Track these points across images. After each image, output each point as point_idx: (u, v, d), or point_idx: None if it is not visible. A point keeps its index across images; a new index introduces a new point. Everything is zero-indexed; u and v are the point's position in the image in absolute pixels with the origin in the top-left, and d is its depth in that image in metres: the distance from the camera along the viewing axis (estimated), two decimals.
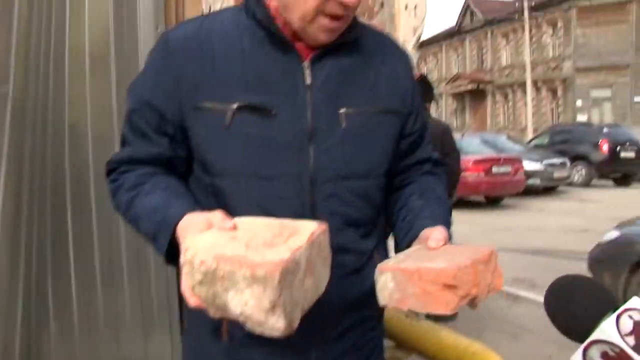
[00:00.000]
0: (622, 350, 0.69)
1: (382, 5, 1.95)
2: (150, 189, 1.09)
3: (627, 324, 0.71)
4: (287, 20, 1.08)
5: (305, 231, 0.90)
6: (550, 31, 30.06)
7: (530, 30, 28.41)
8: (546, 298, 0.85)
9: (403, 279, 0.93)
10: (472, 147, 13.35)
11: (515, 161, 12.62)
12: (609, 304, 0.76)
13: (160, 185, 1.09)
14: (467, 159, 12.01)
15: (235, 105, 1.06)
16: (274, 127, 1.07)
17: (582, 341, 0.75)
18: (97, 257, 2.44)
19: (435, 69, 41.77)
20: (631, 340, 0.69)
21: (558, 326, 0.81)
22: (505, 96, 33.95)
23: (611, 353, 0.71)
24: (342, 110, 1.10)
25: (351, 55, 1.14)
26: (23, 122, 2.07)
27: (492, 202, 12.82)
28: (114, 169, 1.17)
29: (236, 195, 1.10)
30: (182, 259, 0.86)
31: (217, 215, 0.94)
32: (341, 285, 1.10)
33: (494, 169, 11.92)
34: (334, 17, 1.05)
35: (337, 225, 1.08)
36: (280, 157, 1.08)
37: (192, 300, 0.87)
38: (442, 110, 40.26)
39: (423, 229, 1.09)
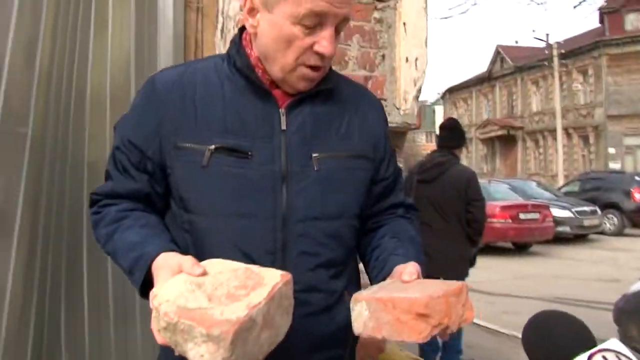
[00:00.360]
0: None
1: (383, 57, 1.99)
2: (129, 225, 1.14)
3: None
4: (266, 69, 1.15)
5: (269, 283, 0.93)
6: (581, 78, 29.92)
7: (560, 78, 28.34)
8: (525, 332, 0.87)
9: (377, 308, 0.97)
10: (499, 193, 13.23)
11: (543, 208, 12.51)
12: (587, 342, 0.78)
13: (139, 221, 1.14)
14: (494, 205, 11.91)
15: (213, 146, 1.12)
16: (249, 168, 1.12)
17: None
18: (110, 293, 2.48)
19: (466, 114, 41.76)
20: None
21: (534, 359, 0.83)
22: (536, 142, 33.67)
23: None
24: (315, 155, 1.15)
25: (326, 103, 1.20)
26: (42, 160, 2.15)
27: (521, 248, 12.65)
28: (97, 200, 1.23)
29: (211, 231, 1.14)
30: (151, 303, 0.92)
31: (188, 261, 0.98)
32: (310, 324, 1.13)
33: (522, 216, 11.82)
34: (313, 68, 1.11)
35: (307, 265, 1.13)
36: (254, 196, 1.13)
37: (158, 339, 0.92)
38: (472, 155, 40.07)
39: (396, 266, 1.12)
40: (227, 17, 2.18)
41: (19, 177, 2.06)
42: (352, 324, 1.02)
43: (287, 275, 0.97)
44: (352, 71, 1.97)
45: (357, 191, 1.22)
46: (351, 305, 1.03)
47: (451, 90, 43.76)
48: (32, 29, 2.13)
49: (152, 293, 0.94)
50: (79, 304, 2.44)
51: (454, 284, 1.01)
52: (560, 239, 13.23)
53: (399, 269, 1.11)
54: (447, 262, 4.19)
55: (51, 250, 2.26)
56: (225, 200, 1.12)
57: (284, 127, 1.15)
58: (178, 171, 1.15)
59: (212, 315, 0.87)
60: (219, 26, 2.45)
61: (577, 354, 0.77)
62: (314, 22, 1.07)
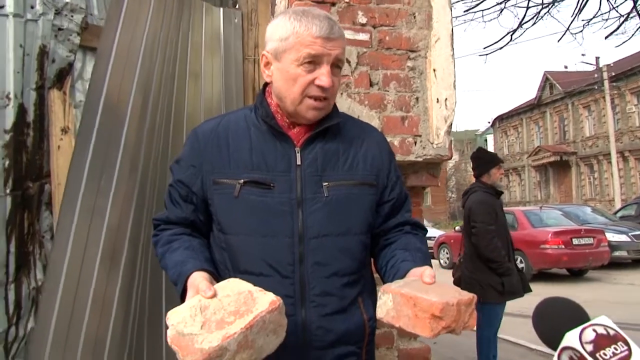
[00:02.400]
0: (581, 355, 0.89)
1: (417, 100, 2.27)
2: (176, 247, 1.46)
3: (589, 335, 0.90)
4: (283, 111, 1.48)
5: (255, 311, 1.15)
6: (635, 100, 29.17)
7: (613, 100, 27.74)
8: (533, 316, 1.05)
9: (401, 302, 1.20)
10: (552, 219, 13.06)
11: (598, 233, 12.21)
12: (582, 320, 0.94)
13: (184, 244, 1.47)
14: (546, 232, 11.81)
15: (242, 180, 1.42)
16: (271, 197, 1.41)
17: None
18: None
19: (517, 142, 41.18)
20: (589, 347, 0.89)
21: (542, 338, 1.01)
22: (591, 167, 32.81)
23: (575, 357, 0.90)
24: (325, 183, 1.43)
25: (335, 139, 1.48)
26: (144, 201, 2.52)
27: (576, 274, 12.39)
28: (156, 225, 1.58)
29: (242, 248, 1.43)
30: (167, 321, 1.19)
31: (203, 283, 1.26)
32: (327, 323, 1.41)
33: (575, 241, 11.59)
34: (317, 98, 1.41)
35: (322, 274, 1.42)
36: (275, 219, 1.41)
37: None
38: (525, 183, 39.33)
39: (410, 269, 1.38)
40: None
41: (127, 219, 2.43)
42: (377, 309, 1.28)
43: (276, 302, 1.17)
44: (390, 112, 2.27)
45: (362, 212, 1.47)
46: (379, 294, 1.28)
47: (501, 119, 43.24)
48: (148, 74, 2.55)
49: (168, 313, 1.20)
50: (157, 325, 2.76)
51: (466, 295, 1.21)
52: (617, 264, 12.90)
53: (415, 271, 1.35)
54: (474, 287, 4.35)
55: (142, 275, 2.63)
56: (252, 223, 1.42)
57: (299, 162, 1.43)
58: (216, 201, 1.46)
59: (194, 343, 1.09)
60: None
61: (572, 329, 0.92)
62: (313, 62, 1.37)
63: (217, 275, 1.40)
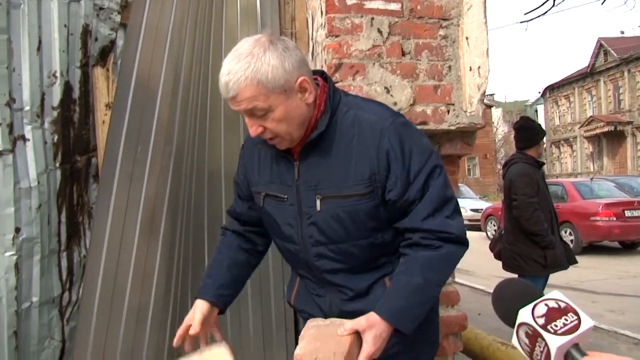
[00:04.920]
0: (534, 328, 0.93)
1: (449, 68, 2.26)
2: (214, 265, 1.72)
3: (541, 310, 0.94)
4: None
5: None
6: None
7: None
8: (492, 299, 1.09)
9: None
10: (603, 191, 12.70)
11: None
12: (534, 297, 0.98)
13: (222, 263, 1.71)
14: (597, 203, 11.51)
15: (263, 193, 1.58)
16: (284, 208, 1.54)
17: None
18: None
19: (568, 112, 39.95)
20: (541, 320, 0.93)
21: (502, 319, 1.05)
22: None
23: (529, 332, 0.94)
24: (319, 197, 1.46)
25: (331, 147, 1.45)
26: (180, 172, 2.62)
27: (628, 247, 12.05)
28: (229, 215, 1.81)
29: (280, 250, 1.67)
30: None
31: (197, 316, 1.59)
32: (346, 306, 1.53)
33: (627, 213, 11.25)
34: (271, 139, 1.46)
35: (330, 276, 1.54)
36: (287, 227, 1.55)
37: None
38: (577, 154, 38.23)
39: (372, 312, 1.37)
40: (316, 42, 2.54)
41: (165, 189, 2.54)
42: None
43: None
44: (423, 81, 2.27)
45: (359, 221, 1.44)
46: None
47: (552, 88, 41.97)
48: (178, 50, 2.62)
49: None
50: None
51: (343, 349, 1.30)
52: None
53: (361, 318, 1.36)
54: (515, 260, 4.32)
55: (183, 245, 2.73)
56: (275, 230, 1.60)
57: (297, 177, 1.50)
58: (257, 206, 1.65)
59: None
60: (310, 49, 2.82)
61: (524, 306, 0.96)
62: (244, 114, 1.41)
63: (226, 301, 1.67)
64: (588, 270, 9.00)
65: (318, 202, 1.45)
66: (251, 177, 1.63)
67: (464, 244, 1.46)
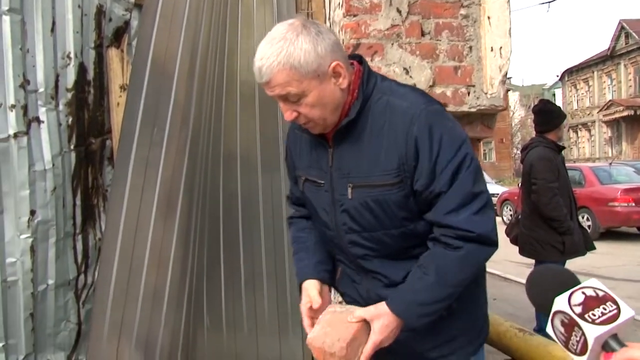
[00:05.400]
0: (570, 317, 0.89)
1: (470, 49, 2.20)
2: (299, 245, 1.68)
3: (578, 298, 0.90)
4: None
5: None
6: None
7: None
8: (525, 285, 1.05)
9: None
10: (622, 176, 12.52)
11: None
12: (571, 285, 0.95)
13: (301, 247, 1.67)
14: (615, 189, 11.36)
15: (303, 178, 1.57)
16: (321, 193, 1.52)
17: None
18: (241, 262, 2.89)
19: (587, 95, 39.39)
20: (578, 309, 0.89)
21: (535, 306, 1.03)
22: None
23: (565, 320, 0.91)
24: (350, 185, 1.43)
25: (363, 133, 1.42)
26: (197, 154, 2.59)
27: None
28: (288, 197, 1.81)
29: (320, 235, 1.64)
30: None
31: (313, 292, 1.54)
32: (379, 291, 1.48)
33: None
34: (305, 124, 1.44)
35: (364, 260, 1.51)
36: (323, 212, 1.53)
37: None
38: (595, 139, 37.75)
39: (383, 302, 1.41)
40: (333, 22, 2.49)
41: (181, 171, 2.52)
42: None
43: None
44: (443, 62, 2.22)
45: (387, 210, 1.41)
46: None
47: (570, 72, 41.37)
48: (195, 31, 2.58)
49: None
50: (216, 274, 2.87)
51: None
52: None
53: (371, 307, 1.40)
54: (532, 246, 4.26)
55: (199, 229, 2.72)
56: (314, 215, 1.60)
57: (330, 164, 1.48)
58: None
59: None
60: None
61: (563, 292, 0.93)
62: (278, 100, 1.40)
63: (330, 276, 1.61)
64: (606, 256, 8.90)
65: (349, 190, 1.43)
66: (295, 161, 1.62)
67: (489, 244, 1.39)
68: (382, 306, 1.37)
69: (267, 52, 1.32)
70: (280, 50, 1.31)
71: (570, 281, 0.97)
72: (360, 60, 1.48)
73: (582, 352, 0.89)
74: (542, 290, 0.99)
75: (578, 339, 0.89)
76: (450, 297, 1.41)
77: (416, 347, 1.49)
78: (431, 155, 1.35)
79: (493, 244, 1.39)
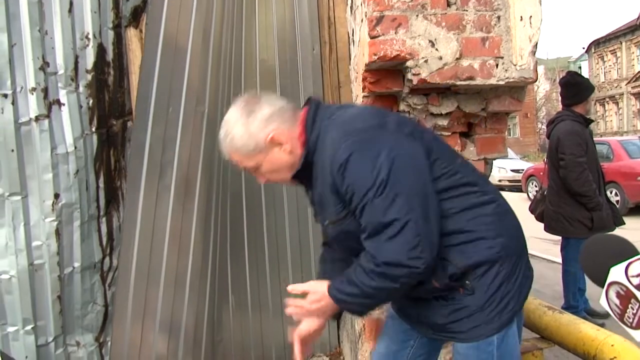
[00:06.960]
0: (627, 288, 0.85)
1: (498, 19, 2.10)
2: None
3: (636, 269, 0.87)
4: None
5: None
6: None
7: None
8: (581, 255, 1.01)
9: None
10: None
11: None
12: (629, 255, 0.91)
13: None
14: None
15: (309, 199, 1.67)
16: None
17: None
18: (265, 242, 2.88)
19: (615, 67, 38.43)
20: (636, 280, 0.85)
21: (589, 276, 0.98)
22: None
23: (621, 292, 0.87)
24: (325, 222, 1.58)
25: (315, 171, 1.54)
26: (215, 134, 2.57)
27: None
28: None
29: None
30: None
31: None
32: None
33: None
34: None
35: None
36: (323, 229, 1.67)
37: None
38: (623, 112, 36.92)
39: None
40: None
41: (198, 150, 2.49)
42: None
43: None
44: (470, 34, 2.13)
45: (357, 236, 1.47)
46: None
47: (597, 43, 40.32)
48: (206, 17, 2.53)
49: None
50: (240, 254, 2.87)
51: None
52: None
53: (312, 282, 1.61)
54: (560, 222, 4.15)
55: (220, 209, 2.70)
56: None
57: (311, 202, 1.65)
58: None
59: None
60: (349, 2, 2.69)
61: (620, 263, 0.90)
62: None
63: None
64: (635, 232, 8.63)
65: (327, 224, 1.58)
66: None
67: (402, 267, 1.40)
68: (322, 284, 1.53)
69: (221, 135, 1.54)
70: (225, 136, 1.53)
71: (629, 251, 0.92)
72: (310, 104, 1.59)
73: (639, 326, 0.84)
74: (597, 259, 0.95)
75: (635, 311, 0.85)
76: (373, 298, 1.51)
77: (437, 320, 1.56)
78: (346, 190, 1.43)
79: (405, 267, 1.40)
